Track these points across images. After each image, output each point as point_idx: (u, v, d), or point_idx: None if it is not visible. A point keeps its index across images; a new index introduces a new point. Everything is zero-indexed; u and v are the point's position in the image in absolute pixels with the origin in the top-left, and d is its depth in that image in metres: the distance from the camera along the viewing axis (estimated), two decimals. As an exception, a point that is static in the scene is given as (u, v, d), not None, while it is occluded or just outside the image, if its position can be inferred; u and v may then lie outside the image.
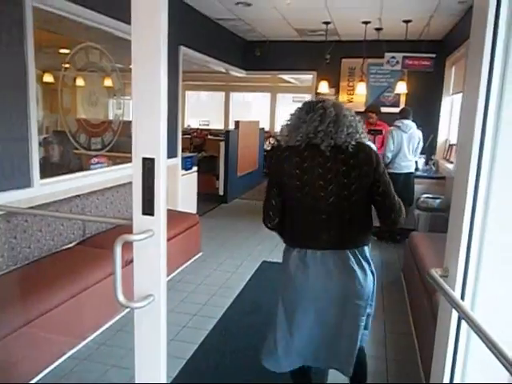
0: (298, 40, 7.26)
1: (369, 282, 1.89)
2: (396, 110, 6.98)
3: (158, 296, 1.42)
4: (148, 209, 1.40)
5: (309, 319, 1.90)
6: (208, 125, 13.68)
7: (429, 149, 6.29)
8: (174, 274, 4.10)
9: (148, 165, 1.36)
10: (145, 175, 1.37)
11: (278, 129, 12.89)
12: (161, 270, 1.42)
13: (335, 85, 7.21)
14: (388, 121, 6.22)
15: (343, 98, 7.32)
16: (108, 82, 4.01)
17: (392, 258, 4.91)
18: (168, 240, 3.52)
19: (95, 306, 2.91)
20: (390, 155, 5.25)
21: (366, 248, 1.95)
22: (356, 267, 1.86)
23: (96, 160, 3.93)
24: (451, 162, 5.52)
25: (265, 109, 14.39)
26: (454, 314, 1.16)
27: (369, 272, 1.91)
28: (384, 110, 6.68)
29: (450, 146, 5.94)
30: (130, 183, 1.40)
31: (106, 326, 3.06)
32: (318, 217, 1.85)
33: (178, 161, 5.30)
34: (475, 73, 1.13)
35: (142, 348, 1.40)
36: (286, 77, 10.77)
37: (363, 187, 1.82)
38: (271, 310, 2.14)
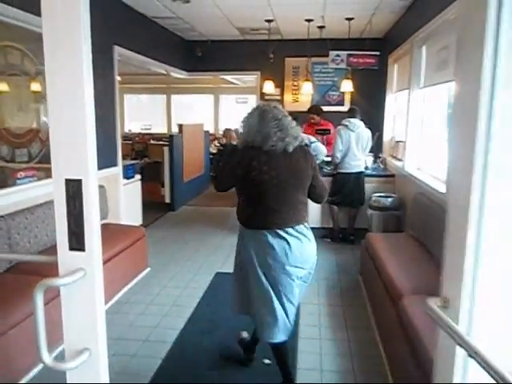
0: (240, 39, 7.05)
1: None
2: (341, 108, 7.00)
3: (96, 350, 1.13)
4: (76, 243, 1.11)
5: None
6: (150, 129, 13.16)
7: (376, 147, 6.29)
8: (119, 296, 3.74)
9: (73, 188, 1.07)
10: (70, 201, 1.08)
11: (221, 131, 12.65)
12: (98, 318, 1.13)
13: (280, 85, 7.06)
14: (334, 120, 6.16)
15: (288, 97, 7.20)
16: (35, 86, 3.59)
17: (348, 260, 4.81)
18: (111, 258, 3.10)
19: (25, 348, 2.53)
20: (339, 155, 5.16)
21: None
22: (311, 238, 2.46)
23: (23, 174, 3.50)
24: (399, 160, 5.53)
25: (208, 111, 14.08)
26: (460, 351, 0.97)
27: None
28: (329, 108, 6.64)
29: (397, 142, 5.96)
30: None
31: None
32: (278, 202, 2.27)
33: (118, 170, 4.91)
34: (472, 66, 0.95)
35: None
36: (228, 77, 10.55)
37: (308, 179, 2.35)
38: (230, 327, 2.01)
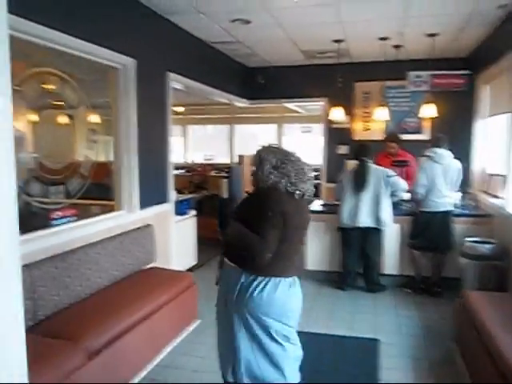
0: (305, 64, 6.54)
1: None
2: (420, 137, 6.22)
3: None
4: None
5: None
6: (212, 159, 12.96)
7: (463, 181, 5.40)
8: (159, 358, 3.19)
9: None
10: None
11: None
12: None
13: (349, 112, 6.41)
14: (412, 150, 5.40)
15: (358, 125, 6.52)
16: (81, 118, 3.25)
17: (434, 319, 3.94)
18: (152, 313, 2.89)
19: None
20: (421, 191, 4.38)
21: None
22: None
23: (60, 214, 3.11)
24: (495, 196, 4.62)
25: (272, 140, 13.67)
26: None
27: None
28: (406, 137, 5.85)
29: (490, 176, 5.05)
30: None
31: None
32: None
33: (169, 207, 4.46)
34: None
35: None
36: (292, 106, 10.05)
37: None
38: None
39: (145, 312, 3.02)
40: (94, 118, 3.33)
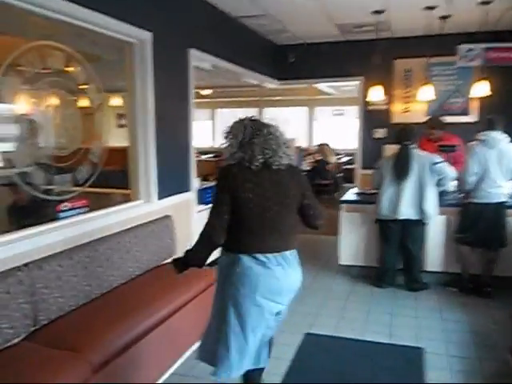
0: (340, 40, 6.03)
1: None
2: (466, 119, 5.65)
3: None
4: None
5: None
6: (241, 144, 12.60)
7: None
8: (177, 365, 2.90)
9: None
10: None
11: (315, 146, 11.64)
12: None
13: (387, 92, 5.88)
14: (459, 133, 4.87)
15: (397, 107, 5.99)
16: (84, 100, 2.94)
17: (486, 325, 3.49)
18: (171, 315, 2.67)
19: None
20: (472, 180, 3.88)
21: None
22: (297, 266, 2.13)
23: (68, 205, 2.83)
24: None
25: (302, 124, 13.18)
26: None
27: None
28: (450, 119, 5.29)
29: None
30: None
31: None
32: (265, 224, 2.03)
33: (191, 195, 4.14)
34: None
35: None
36: (324, 87, 9.53)
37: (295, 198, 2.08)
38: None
39: (161, 314, 2.70)
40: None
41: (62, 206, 2.79)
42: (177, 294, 2.91)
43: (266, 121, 2.13)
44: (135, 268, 3.10)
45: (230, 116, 13.74)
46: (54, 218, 2.71)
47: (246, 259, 2.00)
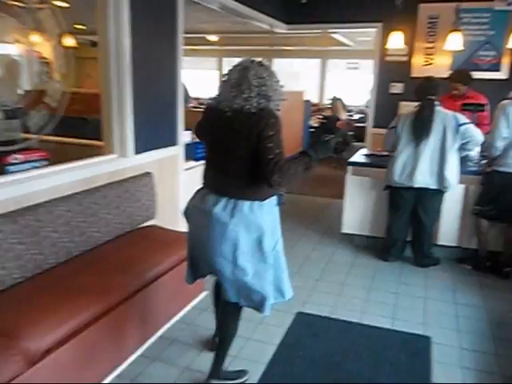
0: (358, -21, 5.31)
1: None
2: (496, 75, 5.02)
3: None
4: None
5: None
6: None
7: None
8: (156, 335, 2.54)
9: None
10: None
11: (327, 101, 10.96)
12: None
13: (408, 41, 5.22)
14: (486, 92, 4.28)
15: (418, 59, 5.32)
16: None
17: (504, 313, 3.07)
18: (150, 282, 2.44)
19: None
20: (500, 145, 3.36)
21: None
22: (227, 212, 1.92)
23: (20, 157, 2.37)
24: None
25: (313, 77, 12.42)
26: None
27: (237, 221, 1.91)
28: (479, 75, 4.66)
29: None
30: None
31: None
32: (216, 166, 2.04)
33: (177, 150, 3.65)
34: None
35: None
36: (338, 36, 8.75)
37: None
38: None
39: (133, 287, 2.33)
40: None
41: (12, 159, 2.34)
42: (152, 263, 2.53)
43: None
44: (103, 233, 2.67)
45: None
46: (1, 173, 2.27)
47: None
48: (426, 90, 3.45)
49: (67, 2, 2.27)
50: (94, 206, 2.61)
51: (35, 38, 2.56)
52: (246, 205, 1.91)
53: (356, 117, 10.18)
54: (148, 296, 2.45)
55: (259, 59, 1.97)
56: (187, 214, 2.12)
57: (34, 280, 2.19)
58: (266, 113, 1.85)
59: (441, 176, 3.42)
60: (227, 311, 2.13)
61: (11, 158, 2.33)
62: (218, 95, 1.96)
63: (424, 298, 3.23)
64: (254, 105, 1.84)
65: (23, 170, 2.38)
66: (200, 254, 2.06)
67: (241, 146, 1.87)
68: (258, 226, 1.92)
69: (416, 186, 3.49)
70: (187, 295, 2.94)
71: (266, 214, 1.96)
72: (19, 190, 2.28)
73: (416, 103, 3.56)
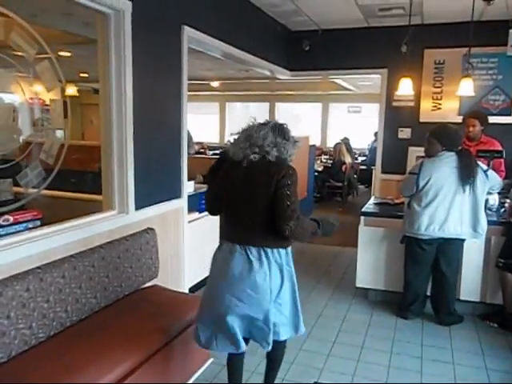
0: (361, 27, 5.30)
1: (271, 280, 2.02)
2: (508, 119, 4.90)
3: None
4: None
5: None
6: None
7: None
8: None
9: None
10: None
11: (330, 144, 10.93)
12: None
13: (415, 86, 5.13)
14: (497, 136, 4.16)
15: (426, 104, 5.23)
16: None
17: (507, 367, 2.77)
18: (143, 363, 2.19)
19: None
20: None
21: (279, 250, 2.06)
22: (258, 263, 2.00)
23: (9, 219, 2.18)
24: None
25: (315, 121, 12.46)
26: None
27: (275, 271, 2.04)
28: (489, 119, 4.54)
29: None
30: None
31: None
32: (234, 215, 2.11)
33: (182, 203, 3.46)
34: None
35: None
36: (341, 81, 8.78)
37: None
38: None
39: (127, 365, 2.07)
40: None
41: (1, 220, 2.14)
42: (152, 333, 2.27)
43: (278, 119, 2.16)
44: (99, 298, 2.43)
45: (241, 112, 13.09)
46: (-12, 237, 2.07)
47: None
48: (459, 139, 3.31)
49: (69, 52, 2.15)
50: (91, 269, 2.38)
51: (38, 87, 2.45)
52: (274, 252, 2.03)
53: (360, 159, 10.13)
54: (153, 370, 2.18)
55: (281, 122, 2.11)
56: (215, 272, 2.16)
57: (19, 359, 1.94)
58: (286, 164, 2.01)
59: (475, 223, 3.22)
60: (279, 349, 2.25)
61: (0, 220, 2.14)
62: (234, 148, 2.04)
63: (452, 364, 2.94)
64: (275, 155, 1.98)
65: (13, 233, 2.18)
66: (242, 311, 2.03)
67: (261, 194, 1.96)
68: (288, 271, 2.09)
69: (446, 236, 3.26)
70: (192, 364, 2.67)
71: (291, 259, 2.13)
72: (7, 257, 2.06)
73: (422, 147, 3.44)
